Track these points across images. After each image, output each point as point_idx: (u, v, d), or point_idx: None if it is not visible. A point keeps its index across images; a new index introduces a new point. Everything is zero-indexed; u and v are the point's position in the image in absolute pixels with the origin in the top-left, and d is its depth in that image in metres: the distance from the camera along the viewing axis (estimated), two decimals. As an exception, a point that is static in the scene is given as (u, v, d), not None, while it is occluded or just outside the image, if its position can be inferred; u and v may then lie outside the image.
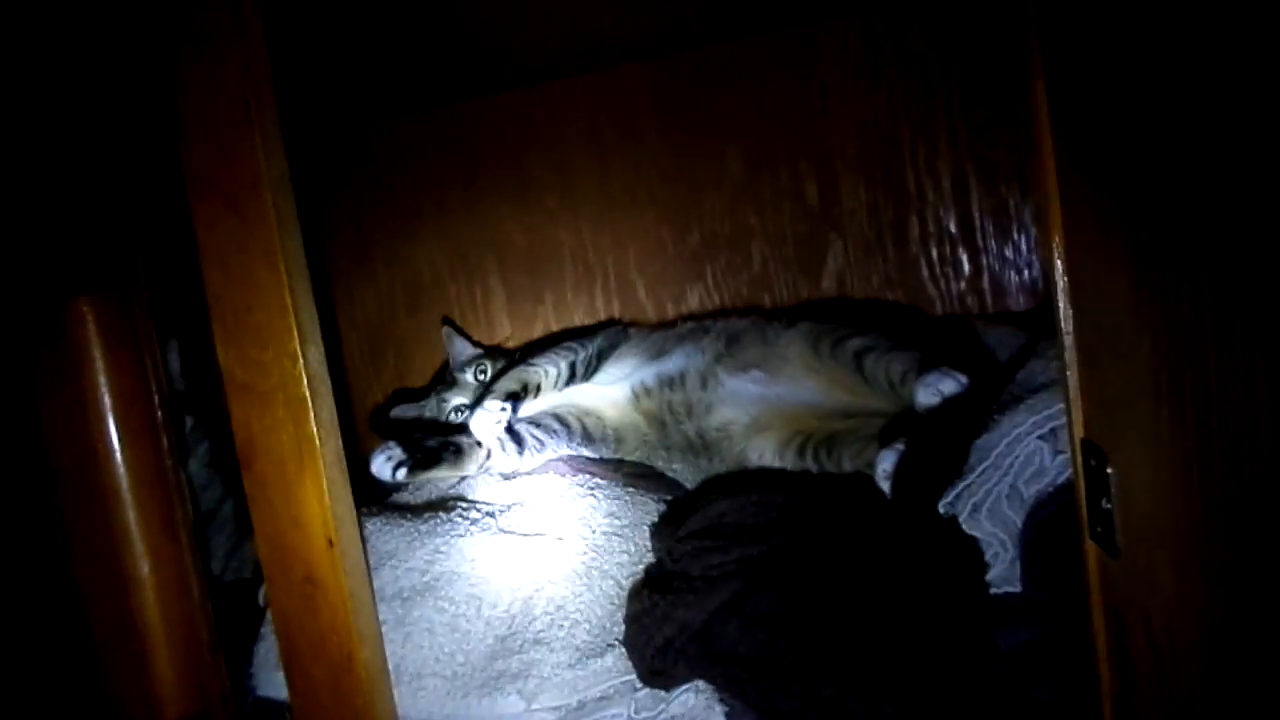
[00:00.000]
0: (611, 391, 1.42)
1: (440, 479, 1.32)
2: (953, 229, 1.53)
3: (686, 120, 1.60)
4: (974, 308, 1.54)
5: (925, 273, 1.54)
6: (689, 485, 1.34)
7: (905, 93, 1.50)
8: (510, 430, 1.35)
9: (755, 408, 1.31)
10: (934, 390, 1.11)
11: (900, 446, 1.07)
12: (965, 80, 1.48)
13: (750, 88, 1.56)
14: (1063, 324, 0.73)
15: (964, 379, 1.11)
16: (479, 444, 1.33)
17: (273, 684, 1.05)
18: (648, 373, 1.40)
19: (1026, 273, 1.52)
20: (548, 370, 1.41)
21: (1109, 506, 0.66)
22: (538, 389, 1.40)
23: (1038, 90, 0.70)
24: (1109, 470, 0.65)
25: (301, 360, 0.91)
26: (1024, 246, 1.51)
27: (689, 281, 1.63)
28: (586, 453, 1.38)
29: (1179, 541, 0.59)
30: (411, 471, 1.29)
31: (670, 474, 1.38)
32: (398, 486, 1.31)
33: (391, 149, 1.73)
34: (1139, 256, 0.59)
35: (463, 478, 1.32)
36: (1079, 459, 0.71)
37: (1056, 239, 0.71)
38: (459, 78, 1.56)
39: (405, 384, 1.79)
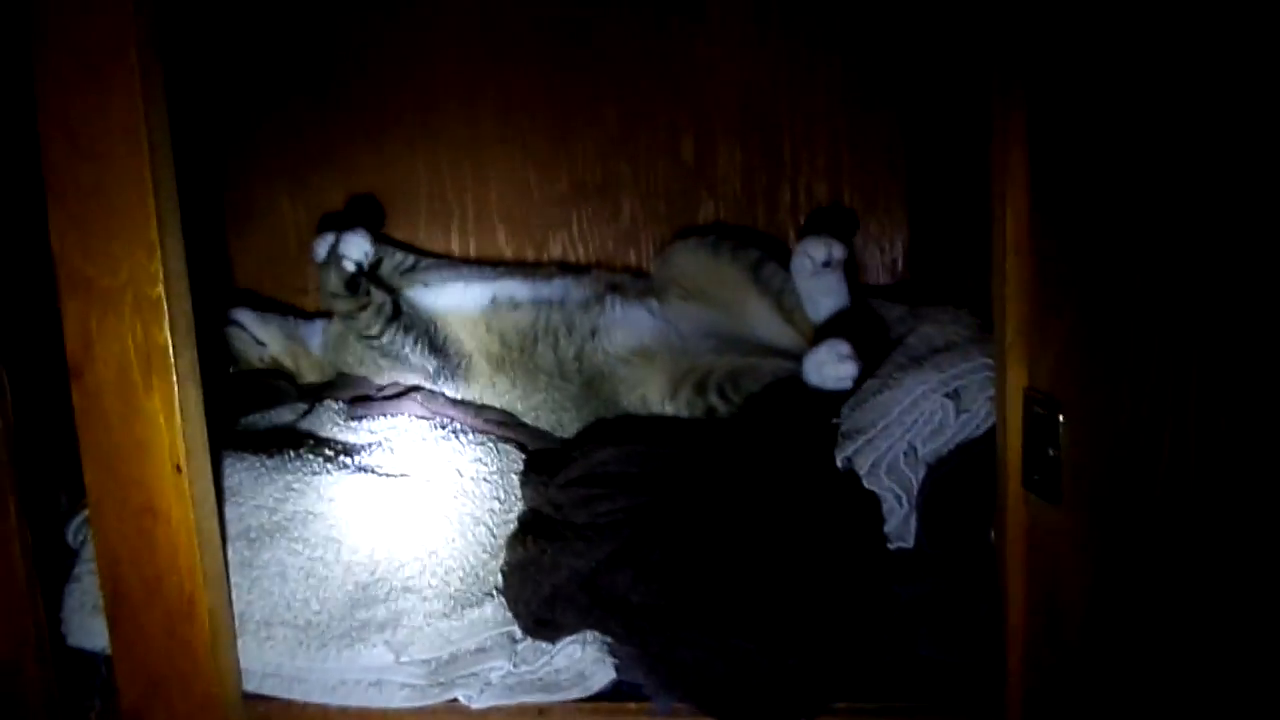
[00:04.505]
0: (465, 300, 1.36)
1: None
2: (823, 201, 1.54)
3: (564, 57, 1.52)
4: (835, 280, 1.55)
5: (793, 241, 1.54)
6: (548, 425, 1.29)
7: (789, 59, 1.49)
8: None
9: (648, 336, 1.28)
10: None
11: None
12: (848, 55, 1.48)
13: (635, 31, 1.50)
14: (1009, 273, 0.72)
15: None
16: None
17: (86, 632, 0.91)
18: (515, 286, 1.36)
19: (889, 250, 1.55)
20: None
21: (1054, 454, 0.66)
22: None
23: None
24: (1060, 418, 0.65)
25: (160, 253, 0.78)
26: (888, 224, 1.54)
27: (554, 228, 1.56)
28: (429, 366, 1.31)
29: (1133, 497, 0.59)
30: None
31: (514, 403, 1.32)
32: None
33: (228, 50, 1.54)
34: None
35: (305, 412, 1.21)
36: (1016, 408, 0.71)
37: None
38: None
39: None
